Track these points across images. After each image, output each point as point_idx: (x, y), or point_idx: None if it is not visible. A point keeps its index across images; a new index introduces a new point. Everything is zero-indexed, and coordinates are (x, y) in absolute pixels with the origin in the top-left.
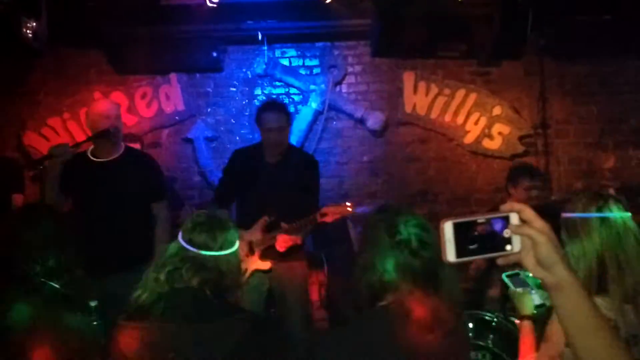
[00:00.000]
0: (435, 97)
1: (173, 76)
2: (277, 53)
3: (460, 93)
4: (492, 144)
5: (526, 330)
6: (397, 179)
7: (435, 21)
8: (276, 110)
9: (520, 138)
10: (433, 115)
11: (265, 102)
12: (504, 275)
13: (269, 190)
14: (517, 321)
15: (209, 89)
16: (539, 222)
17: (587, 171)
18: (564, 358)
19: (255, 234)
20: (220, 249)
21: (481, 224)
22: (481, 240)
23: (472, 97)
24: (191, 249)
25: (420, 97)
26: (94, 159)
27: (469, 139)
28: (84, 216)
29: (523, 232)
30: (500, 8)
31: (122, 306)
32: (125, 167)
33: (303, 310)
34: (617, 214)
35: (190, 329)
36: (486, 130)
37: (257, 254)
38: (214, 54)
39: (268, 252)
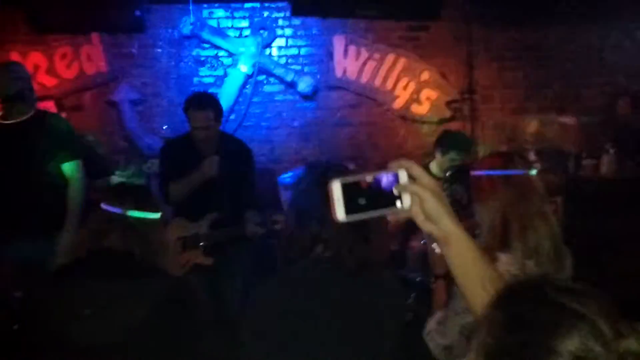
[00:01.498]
0: (366, 61)
1: (95, 36)
2: (205, 13)
3: (390, 58)
4: (421, 109)
5: (438, 289)
6: (328, 144)
7: None
8: (203, 108)
9: (448, 103)
10: (363, 80)
11: (192, 97)
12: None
13: (207, 184)
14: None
15: (133, 50)
16: (425, 178)
17: (511, 136)
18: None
19: (201, 228)
20: (142, 210)
21: (369, 181)
22: (369, 197)
23: (402, 61)
24: (114, 210)
25: (350, 61)
26: (3, 122)
27: (398, 104)
28: None
29: (409, 188)
30: None
31: (37, 273)
32: (34, 128)
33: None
34: (520, 171)
35: (108, 286)
36: (415, 96)
37: (200, 247)
38: (137, 13)
39: (212, 248)
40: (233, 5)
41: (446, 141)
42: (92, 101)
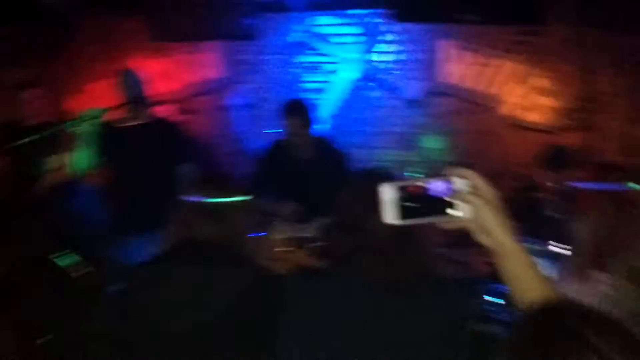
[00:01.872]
0: (472, 66)
1: (211, 43)
2: (313, 21)
3: (498, 62)
4: (531, 117)
5: None
6: (433, 150)
7: None
8: (292, 115)
9: (561, 111)
10: (469, 85)
11: (284, 104)
12: None
13: (306, 188)
14: None
15: (247, 56)
16: (484, 189)
17: (629, 147)
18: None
19: (305, 231)
20: (229, 196)
21: (422, 187)
22: (421, 203)
23: (510, 66)
24: (199, 199)
25: (456, 66)
26: (124, 125)
27: (506, 110)
28: (116, 179)
29: (464, 197)
30: None
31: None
32: (152, 132)
33: None
34: (625, 186)
35: (198, 273)
36: (525, 102)
37: (305, 250)
38: (252, 21)
39: (316, 250)
40: (339, 12)
41: (555, 159)
42: (207, 105)
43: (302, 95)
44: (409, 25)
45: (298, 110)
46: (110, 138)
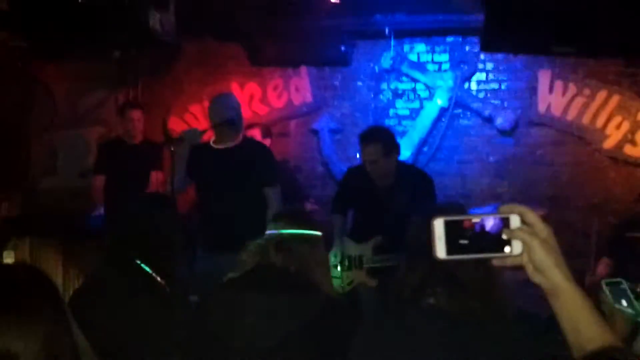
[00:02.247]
0: (573, 97)
1: (303, 69)
2: (406, 48)
3: (602, 94)
4: (636, 151)
5: None
6: (524, 182)
7: (548, 14)
8: (370, 142)
9: None
10: (569, 117)
11: (364, 131)
12: (603, 282)
13: (381, 214)
14: None
15: (337, 82)
16: (539, 226)
17: None
18: None
19: (366, 250)
20: (301, 228)
21: (474, 223)
22: (474, 239)
23: (615, 99)
24: (274, 231)
25: (556, 96)
26: (215, 147)
27: (608, 143)
28: (203, 198)
29: (517, 235)
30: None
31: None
32: (240, 154)
33: None
34: None
35: (268, 299)
36: (629, 136)
37: (364, 268)
38: (343, 48)
39: (375, 270)
40: (434, 38)
41: None
42: (296, 129)
43: (388, 122)
44: (509, 55)
45: (377, 136)
46: (203, 158)
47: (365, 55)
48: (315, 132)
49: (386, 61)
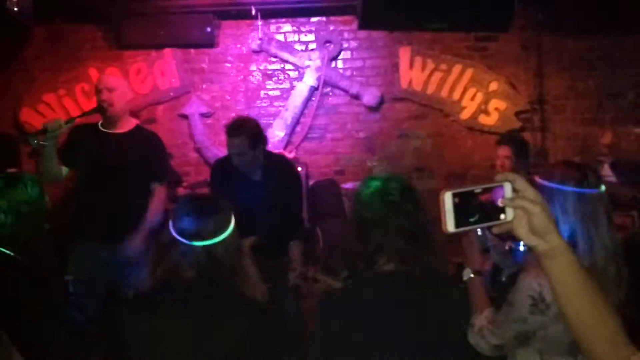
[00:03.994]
0: (432, 72)
1: (168, 52)
2: (272, 28)
3: (457, 68)
4: (489, 120)
5: (476, 285)
6: (393, 155)
7: None
8: (237, 135)
9: (517, 114)
10: (429, 91)
11: (229, 123)
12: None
13: (254, 207)
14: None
15: (204, 65)
16: (531, 192)
17: (583, 147)
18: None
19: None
20: (214, 235)
21: (478, 193)
22: (479, 210)
23: (469, 72)
24: (183, 240)
25: (416, 72)
26: (104, 130)
27: (465, 114)
28: (86, 186)
29: (517, 202)
30: None
31: (110, 275)
32: (131, 142)
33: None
34: (593, 189)
35: (190, 326)
36: (483, 106)
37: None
38: (208, 29)
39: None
40: (299, 19)
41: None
42: (164, 114)
43: (260, 103)
44: (371, 32)
45: (243, 129)
46: (90, 140)
47: (232, 36)
48: (185, 117)
49: (254, 42)
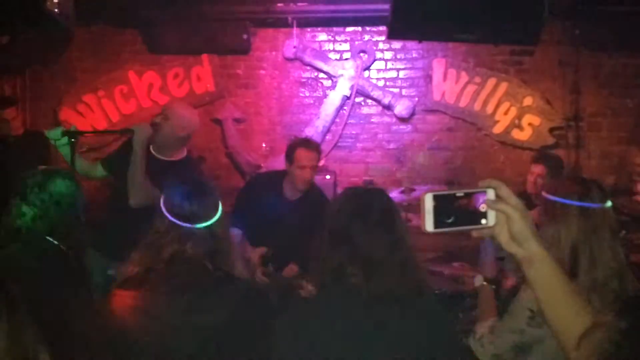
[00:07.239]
0: (466, 85)
1: (205, 57)
2: (307, 37)
3: (491, 82)
4: (522, 135)
5: (486, 293)
6: (423, 167)
7: (451, 2)
8: (312, 149)
9: (551, 130)
10: (462, 104)
11: (300, 139)
12: None
13: (277, 226)
14: (478, 284)
15: (239, 71)
16: (513, 199)
17: (618, 166)
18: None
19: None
20: (207, 218)
21: (460, 197)
22: (459, 213)
23: (503, 86)
24: (180, 223)
25: (450, 84)
26: (157, 156)
27: (498, 128)
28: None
29: (499, 207)
30: None
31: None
32: (181, 170)
33: None
34: (597, 204)
35: (183, 300)
36: (516, 121)
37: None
38: (244, 36)
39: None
40: (335, 29)
41: None
42: (199, 118)
43: (292, 111)
44: (406, 43)
45: (314, 145)
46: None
47: (267, 43)
48: (218, 122)
49: (289, 50)
